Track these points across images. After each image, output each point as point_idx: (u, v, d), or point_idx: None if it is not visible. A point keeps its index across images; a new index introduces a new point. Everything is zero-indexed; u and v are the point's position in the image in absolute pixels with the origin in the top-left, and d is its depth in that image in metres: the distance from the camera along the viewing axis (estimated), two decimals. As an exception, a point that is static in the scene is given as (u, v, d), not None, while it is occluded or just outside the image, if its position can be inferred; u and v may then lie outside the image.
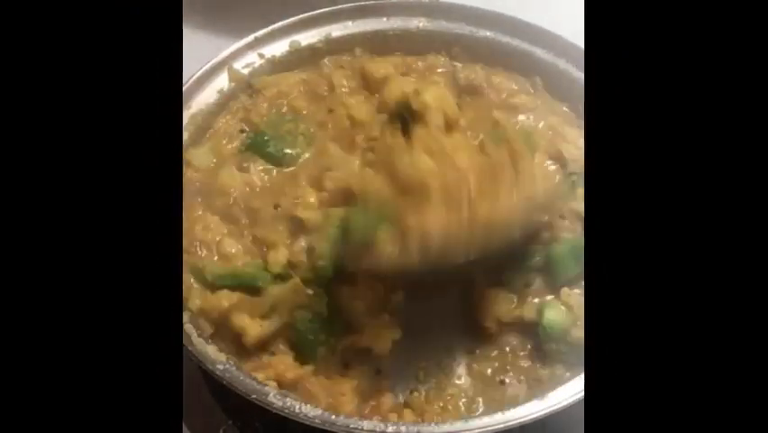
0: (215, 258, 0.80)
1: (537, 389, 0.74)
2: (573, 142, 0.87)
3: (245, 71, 0.92)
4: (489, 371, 0.78)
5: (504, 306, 0.78)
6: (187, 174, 0.85)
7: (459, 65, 0.97)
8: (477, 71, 0.96)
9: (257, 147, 0.89)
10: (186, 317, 0.73)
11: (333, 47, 0.97)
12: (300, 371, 0.74)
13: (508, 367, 0.78)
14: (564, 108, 0.93)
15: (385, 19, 0.98)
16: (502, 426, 0.67)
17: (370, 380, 0.76)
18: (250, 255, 0.80)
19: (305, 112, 0.91)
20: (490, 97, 0.93)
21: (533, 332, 0.78)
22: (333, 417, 0.67)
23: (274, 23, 0.95)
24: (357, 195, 0.74)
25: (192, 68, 0.87)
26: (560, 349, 0.76)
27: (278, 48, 0.95)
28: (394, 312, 0.78)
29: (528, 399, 0.70)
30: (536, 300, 0.79)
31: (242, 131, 0.91)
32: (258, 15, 0.99)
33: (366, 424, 0.66)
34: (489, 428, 0.67)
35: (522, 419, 0.67)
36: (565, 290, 0.77)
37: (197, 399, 0.79)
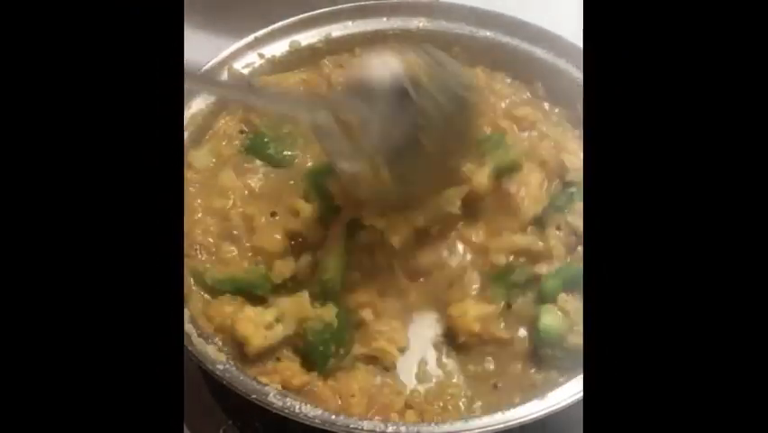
0: (215, 262, 0.80)
1: (531, 393, 0.74)
2: (575, 153, 0.87)
3: (245, 71, 0.92)
4: (483, 373, 0.78)
5: (483, 321, 0.77)
6: (187, 176, 0.85)
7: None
8: (478, 75, 0.96)
9: (256, 148, 0.89)
10: (186, 317, 0.73)
11: (333, 47, 0.97)
12: (306, 377, 0.73)
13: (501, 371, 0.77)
14: (566, 121, 0.93)
15: (385, 19, 0.98)
16: (502, 426, 0.67)
17: (377, 380, 0.76)
18: (247, 261, 0.80)
19: None
20: (492, 103, 0.93)
21: (528, 336, 0.78)
22: (333, 417, 0.67)
23: (274, 23, 0.95)
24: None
25: (192, 68, 0.87)
26: (555, 355, 0.75)
27: (278, 48, 0.95)
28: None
29: (528, 399, 0.71)
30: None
31: (242, 131, 0.91)
32: (258, 15, 0.99)
33: (366, 424, 0.66)
34: (489, 428, 0.67)
35: (522, 419, 0.67)
36: (562, 295, 0.77)
37: (197, 399, 0.79)
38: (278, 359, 0.75)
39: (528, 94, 0.96)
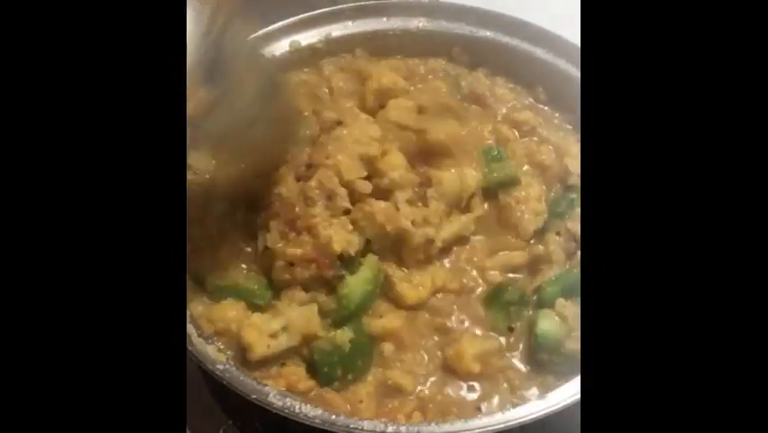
0: (215, 266, 0.80)
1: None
2: (577, 157, 0.87)
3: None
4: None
5: (483, 358, 0.76)
6: (189, 178, 0.84)
7: (462, 70, 0.97)
8: (480, 79, 0.96)
9: None
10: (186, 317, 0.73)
11: (333, 47, 0.97)
12: (312, 382, 0.73)
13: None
14: (567, 124, 0.93)
15: (385, 19, 0.98)
16: (502, 426, 0.67)
17: (384, 383, 0.75)
18: (247, 265, 0.80)
19: (306, 113, 0.91)
20: (493, 108, 0.94)
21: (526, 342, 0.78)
22: (333, 417, 0.67)
23: (274, 23, 0.95)
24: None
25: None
26: (552, 360, 0.75)
27: (278, 48, 0.95)
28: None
29: (528, 399, 0.71)
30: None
31: None
32: (258, 15, 0.99)
33: (366, 424, 0.66)
34: (489, 428, 0.67)
35: (522, 419, 0.67)
36: (560, 300, 0.77)
37: (197, 399, 0.79)
38: (283, 364, 0.74)
39: (530, 99, 0.96)
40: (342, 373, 0.74)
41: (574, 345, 0.74)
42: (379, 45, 0.98)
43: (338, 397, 0.72)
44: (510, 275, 0.82)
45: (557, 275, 0.79)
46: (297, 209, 0.77)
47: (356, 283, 0.77)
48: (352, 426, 0.66)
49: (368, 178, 0.80)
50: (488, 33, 0.97)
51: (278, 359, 0.74)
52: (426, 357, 0.77)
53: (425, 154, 0.85)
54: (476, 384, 0.75)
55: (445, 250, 0.82)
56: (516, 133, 0.92)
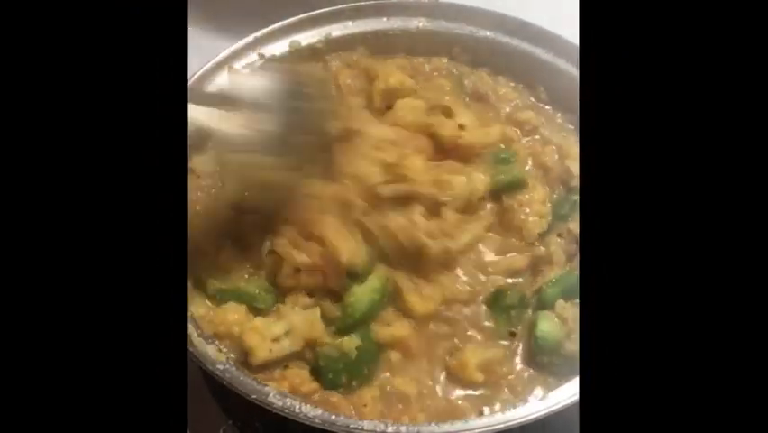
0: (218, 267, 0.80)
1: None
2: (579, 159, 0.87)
3: (245, 71, 0.92)
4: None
5: (487, 366, 0.75)
6: (192, 182, 0.84)
7: (465, 68, 0.97)
8: (483, 78, 0.96)
9: None
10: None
11: (333, 47, 0.97)
12: (315, 384, 0.73)
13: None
14: (569, 124, 0.93)
15: (385, 19, 0.98)
16: (502, 426, 0.67)
17: (389, 390, 0.75)
18: (250, 267, 0.80)
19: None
20: (496, 107, 0.94)
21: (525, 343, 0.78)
22: (333, 417, 0.67)
23: (274, 23, 0.95)
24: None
25: (192, 68, 0.87)
26: (552, 361, 0.75)
27: (279, 48, 0.95)
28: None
29: (528, 399, 0.71)
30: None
31: None
32: (258, 15, 0.99)
33: (366, 424, 0.66)
34: (489, 428, 0.67)
35: (522, 419, 0.67)
36: (560, 302, 0.77)
37: (197, 399, 0.79)
38: (286, 366, 0.74)
39: (532, 99, 0.96)
40: (346, 380, 0.74)
41: (574, 346, 0.74)
42: (379, 45, 0.98)
43: (342, 400, 0.72)
44: (510, 280, 0.81)
45: (557, 277, 0.79)
46: (309, 215, 0.78)
47: (363, 292, 0.76)
48: (352, 426, 0.66)
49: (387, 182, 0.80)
50: (488, 33, 0.97)
51: (281, 362, 0.74)
52: (432, 366, 0.76)
53: (438, 155, 0.85)
54: (480, 391, 0.75)
55: (456, 258, 0.81)
56: (519, 132, 0.92)
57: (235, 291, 0.77)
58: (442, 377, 0.76)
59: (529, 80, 0.96)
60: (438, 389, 0.75)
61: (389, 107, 0.90)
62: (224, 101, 0.73)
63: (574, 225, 0.82)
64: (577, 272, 0.79)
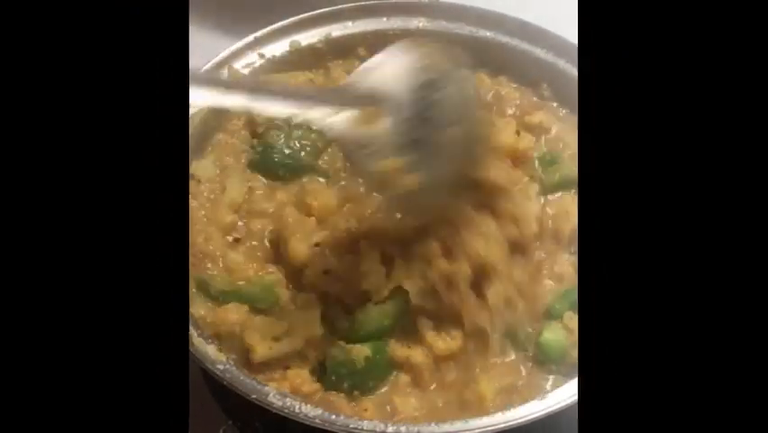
0: (220, 269, 0.80)
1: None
2: None
3: (245, 71, 0.92)
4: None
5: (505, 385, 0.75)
6: (192, 188, 0.84)
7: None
8: (483, 80, 0.95)
9: (264, 164, 0.88)
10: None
11: (334, 47, 0.97)
12: (316, 385, 0.73)
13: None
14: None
15: (385, 19, 0.98)
16: (502, 426, 0.67)
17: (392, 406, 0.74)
18: (255, 264, 0.80)
19: None
20: (504, 110, 0.93)
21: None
22: (333, 417, 0.67)
23: (274, 23, 0.95)
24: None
25: (192, 67, 0.86)
26: (559, 370, 0.75)
27: (279, 48, 0.95)
28: None
29: (528, 399, 0.71)
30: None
31: (252, 146, 0.90)
32: (258, 15, 0.99)
33: (366, 424, 0.66)
34: (489, 428, 0.67)
35: (522, 419, 0.67)
36: (568, 313, 0.76)
37: (197, 399, 0.79)
38: (288, 367, 0.74)
39: (535, 98, 0.95)
40: (348, 387, 0.73)
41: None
42: (379, 45, 0.97)
43: (344, 403, 0.72)
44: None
45: (566, 290, 0.79)
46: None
47: (376, 314, 0.75)
48: (351, 426, 0.66)
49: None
50: (488, 33, 0.97)
51: (282, 362, 0.74)
52: (443, 395, 0.75)
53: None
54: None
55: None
56: (532, 136, 0.90)
57: (237, 292, 0.77)
58: (452, 401, 0.74)
59: (531, 79, 0.96)
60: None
61: None
62: (357, 101, 0.67)
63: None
64: None
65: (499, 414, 0.68)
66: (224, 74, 0.91)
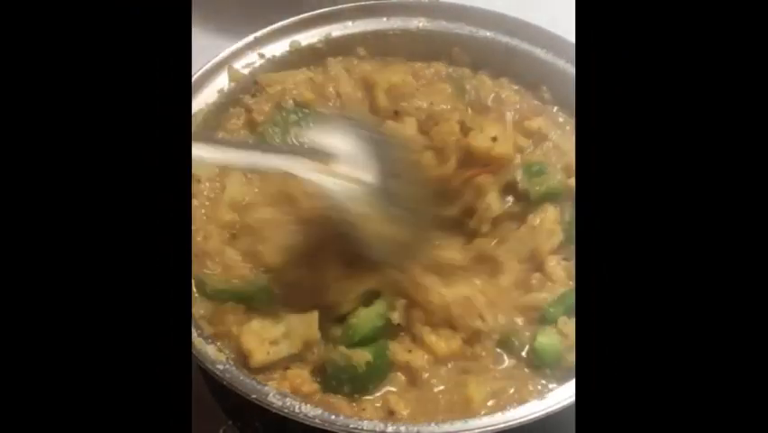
0: (218, 268, 0.80)
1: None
2: None
3: (245, 71, 0.92)
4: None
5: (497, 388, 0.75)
6: (192, 187, 0.84)
7: (466, 71, 0.97)
8: (485, 82, 0.95)
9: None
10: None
11: (333, 47, 0.97)
12: (315, 386, 0.73)
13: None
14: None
15: (385, 19, 0.98)
16: (502, 425, 0.67)
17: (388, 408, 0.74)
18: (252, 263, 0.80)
19: (314, 106, 0.92)
20: (504, 114, 0.93)
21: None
22: (333, 417, 0.67)
23: (274, 23, 0.95)
24: None
25: (192, 67, 0.87)
26: (554, 375, 0.75)
27: (279, 48, 0.95)
28: None
29: (528, 399, 0.71)
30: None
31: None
32: (258, 15, 0.99)
33: (366, 424, 0.66)
34: (489, 428, 0.67)
35: (522, 419, 0.67)
36: (563, 318, 0.76)
37: (197, 399, 0.78)
38: (287, 368, 0.74)
39: (536, 101, 0.95)
40: (348, 391, 0.73)
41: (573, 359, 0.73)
42: (379, 45, 0.97)
43: (343, 403, 0.72)
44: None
45: (560, 295, 0.79)
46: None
47: (367, 317, 0.75)
48: (351, 426, 0.66)
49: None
50: (488, 33, 0.97)
51: (281, 364, 0.74)
52: (438, 398, 0.75)
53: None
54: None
55: None
56: (531, 142, 0.90)
57: (232, 291, 0.77)
58: (447, 403, 0.74)
59: (531, 81, 0.96)
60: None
61: (397, 113, 0.90)
62: (311, 153, 0.72)
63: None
64: None
65: (499, 414, 0.68)
66: (223, 74, 0.91)
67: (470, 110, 0.92)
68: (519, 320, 0.79)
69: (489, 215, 0.82)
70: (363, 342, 0.74)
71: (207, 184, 0.86)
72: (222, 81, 0.91)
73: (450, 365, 0.76)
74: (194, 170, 0.85)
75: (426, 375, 0.75)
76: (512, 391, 0.75)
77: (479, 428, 0.67)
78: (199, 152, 0.64)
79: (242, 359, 0.73)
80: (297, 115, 0.91)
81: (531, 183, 0.84)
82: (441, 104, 0.91)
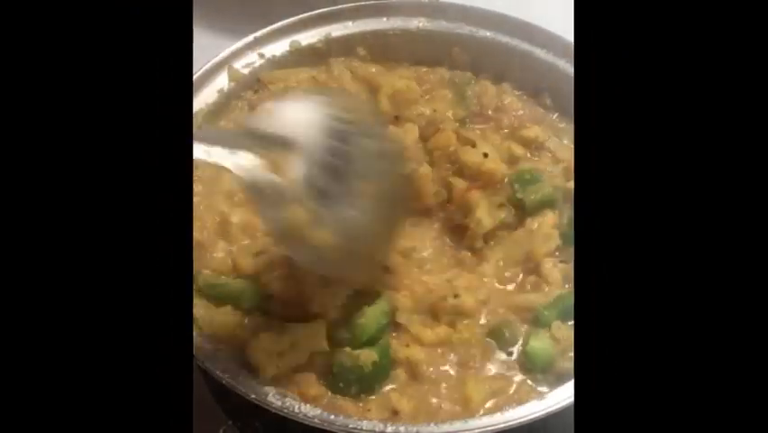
0: (212, 258, 0.80)
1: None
2: None
3: (245, 71, 0.92)
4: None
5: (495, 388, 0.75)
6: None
7: (468, 75, 0.96)
8: (488, 88, 0.95)
9: None
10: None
11: (334, 47, 0.97)
12: (323, 389, 0.73)
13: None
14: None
15: (385, 19, 0.98)
16: (502, 425, 0.67)
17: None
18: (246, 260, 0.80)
19: None
20: (502, 123, 0.93)
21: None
22: (333, 417, 0.67)
23: (274, 23, 0.95)
24: None
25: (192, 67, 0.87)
26: (546, 379, 0.75)
27: (279, 48, 0.95)
28: None
29: (527, 399, 0.71)
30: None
31: None
32: (258, 15, 0.99)
33: (366, 424, 0.66)
34: (489, 428, 0.67)
35: (522, 419, 0.67)
36: (556, 323, 0.76)
37: (197, 399, 0.78)
38: (294, 370, 0.73)
39: (538, 108, 0.95)
40: (356, 391, 0.73)
41: (568, 364, 0.73)
42: (379, 45, 0.97)
43: (350, 405, 0.72)
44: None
45: (556, 297, 0.79)
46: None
47: (373, 315, 0.75)
48: (351, 426, 0.66)
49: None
50: (487, 33, 0.97)
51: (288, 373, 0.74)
52: (438, 392, 0.75)
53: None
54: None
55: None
56: (527, 152, 0.90)
57: (223, 287, 0.77)
58: (447, 398, 0.74)
59: (532, 84, 0.96)
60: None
61: (397, 117, 0.90)
62: (262, 141, 0.63)
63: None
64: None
65: (499, 414, 0.68)
66: (223, 74, 0.91)
67: (467, 121, 0.92)
68: (512, 317, 0.79)
69: (481, 230, 0.82)
70: (370, 341, 0.75)
71: (205, 172, 0.85)
72: (222, 81, 0.91)
73: (447, 365, 0.76)
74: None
75: (427, 369, 0.75)
76: (512, 391, 0.75)
77: (478, 428, 0.67)
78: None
79: (250, 370, 0.72)
80: None
81: (525, 192, 0.84)
82: (441, 111, 0.91)
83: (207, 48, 0.94)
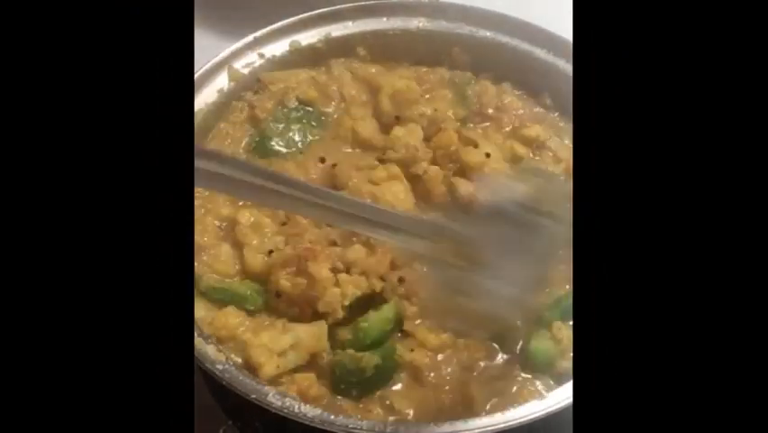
0: (214, 261, 0.80)
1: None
2: None
3: (245, 71, 0.92)
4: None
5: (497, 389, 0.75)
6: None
7: (468, 74, 0.96)
8: (488, 88, 0.95)
9: (263, 150, 0.89)
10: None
11: (333, 47, 0.97)
12: (324, 390, 0.73)
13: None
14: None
15: (385, 19, 0.98)
16: (502, 425, 0.67)
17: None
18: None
19: (317, 104, 0.92)
20: (503, 122, 0.93)
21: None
22: (333, 417, 0.67)
23: (274, 23, 0.95)
24: None
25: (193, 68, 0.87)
26: (547, 380, 0.75)
27: (279, 48, 0.95)
28: None
29: (528, 399, 0.71)
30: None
31: (250, 135, 0.91)
32: (258, 15, 0.99)
33: (365, 424, 0.66)
34: (489, 428, 0.67)
35: (522, 419, 0.67)
36: (557, 323, 0.76)
37: (198, 399, 0.78)
38: (295, 371, 0.74)
39: (538, 108, 0.95)
40: (356, 394, 0.73)
41: (568, 364, 0.74)
42: (379, 45, 0.98)
43: (351, 406, 0.72)
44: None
45: (557, 298, 0.79)
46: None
47: (377, 320, 0.75)
48: (351, 426, 0.66)
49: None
50: (487, 33, 0.97)
51: (289, 374, 0.74)
52: (441, 394, 0.75)
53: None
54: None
55: None
56: (529, 151, 0.90)
57: (228, 290, 0.77)
58: (449, 402, 0.75)
59: (532, 84, 0.96)
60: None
61: (398, 118, 0.90)
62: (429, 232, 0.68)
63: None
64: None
65: (499, 414, 0.68)
66: (223, 74, 0.91)
67: (468, 120, 0.92)
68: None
69: None
70: (373, 345, 0.74)
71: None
72: (222, 81, 0.91)
73: (450, 368, 0.76)
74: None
75: (429, 374, 0.75)
76: (513, 390, 0.75)
77: (479, 428, 0.66)
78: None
79: (248, 367, 0.73)
80: (299, 113, 0.92)
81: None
82: (442, 111, 0.91)
83: (207, 48, 0.94)
